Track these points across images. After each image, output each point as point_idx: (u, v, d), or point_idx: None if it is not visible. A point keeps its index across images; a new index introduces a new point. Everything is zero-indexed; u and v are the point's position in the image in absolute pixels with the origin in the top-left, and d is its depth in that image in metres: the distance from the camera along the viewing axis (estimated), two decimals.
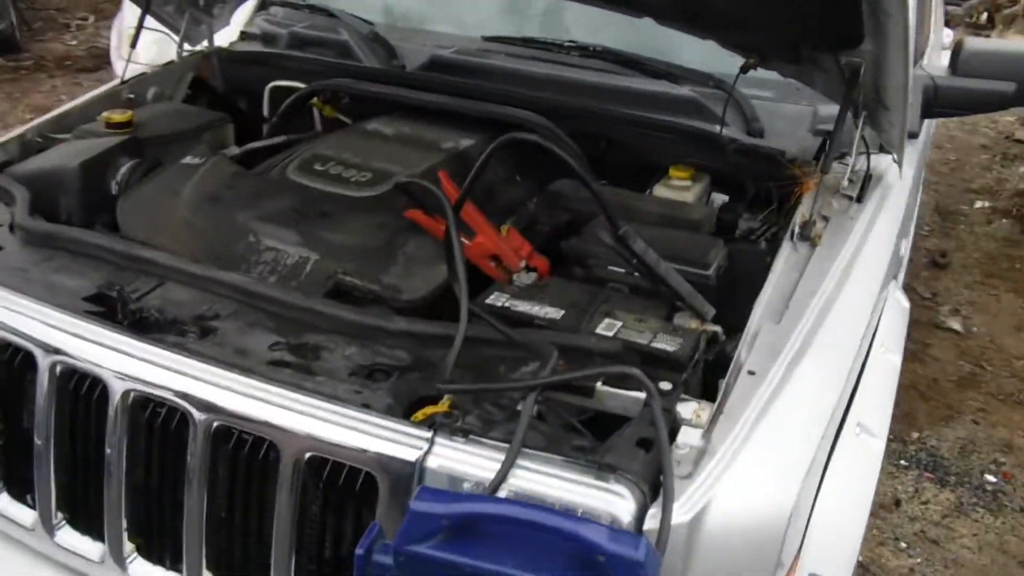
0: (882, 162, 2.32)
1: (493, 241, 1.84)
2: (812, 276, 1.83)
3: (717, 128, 2.34)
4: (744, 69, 2.11)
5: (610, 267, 1.85)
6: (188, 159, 2.19)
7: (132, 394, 1.51)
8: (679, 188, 2.24)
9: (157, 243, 1.94)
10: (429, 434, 1.37)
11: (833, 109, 2.42)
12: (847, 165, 2.32)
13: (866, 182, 2.19)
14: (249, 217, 1.95)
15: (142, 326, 1.61)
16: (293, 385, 1.45)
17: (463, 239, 1.87)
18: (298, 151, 2.34)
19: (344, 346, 1.59)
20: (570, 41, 2.62)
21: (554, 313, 1.70)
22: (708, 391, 1.63)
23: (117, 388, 1.51)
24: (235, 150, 2.48)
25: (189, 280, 1.75)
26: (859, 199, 2.16)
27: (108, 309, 1.66)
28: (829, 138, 2.03)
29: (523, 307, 1.71)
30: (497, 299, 1.74)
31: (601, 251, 1.87)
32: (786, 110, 2.46)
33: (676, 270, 1.76)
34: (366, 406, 1.42)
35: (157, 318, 1.63)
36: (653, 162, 2.41)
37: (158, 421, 1.51)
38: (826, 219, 2.05)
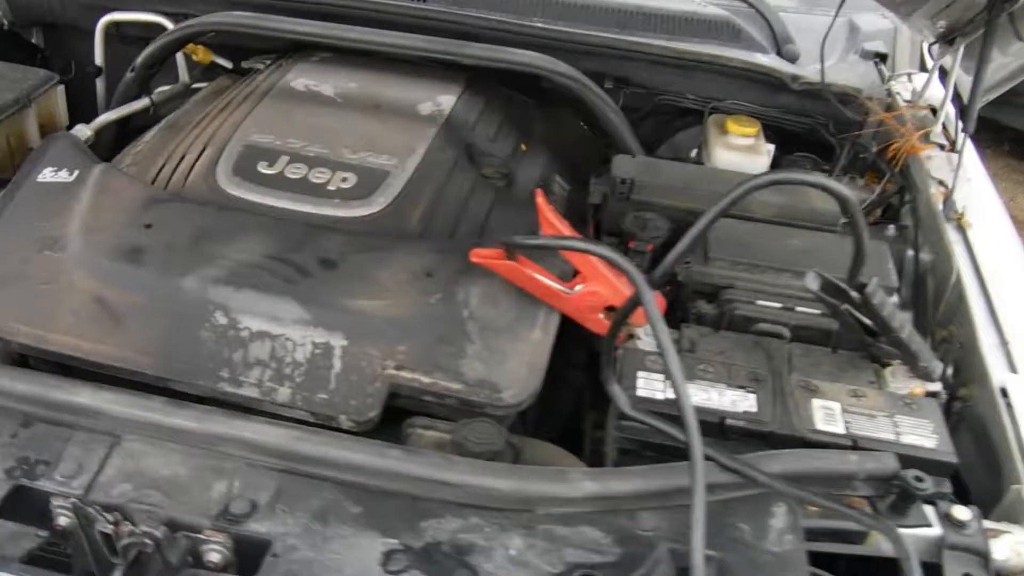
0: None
1: (612, 287, 1.25)
2: (995, 280, 1.41)
3: (762, 57, 1.83)
4: None
5: (759, 302, 1.33)
6: (48, 174, 1.36)
7: None
8: (744, 148, 1.71)
9: (56, 345, 1.17)
10: None
11: (874, 21, 1.99)
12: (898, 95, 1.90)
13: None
14: (205, 282, 1.22)
15: (139, 570, 0.90)
16: None
17: (556, 284, 1.27)
18: (192, 130, 1.56)
19: (498, 535, 0.97)
20: None
21: (743, 400, 1.17)
22: None
23: None
24: (86, 131, 1.63)
25: (163, 434, 1.03)
26: (953, 147, 1.75)
27: (56, 536, 0.93)
28: (972, 94, 1.56)
29: (698, 396, 1.16)
30: (650, 388, 1.17)
31: (743, 278, 1.34)
32: (816, 24, 1.96)
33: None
34: None
35: (154, 539, 0.92)
36: (680, 108, 1.86)
37: None
38: (943, 184, 1.63)
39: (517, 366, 1.20)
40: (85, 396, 1.03)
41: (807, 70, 1.85)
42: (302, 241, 1.28)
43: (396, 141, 1.52)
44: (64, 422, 1.03)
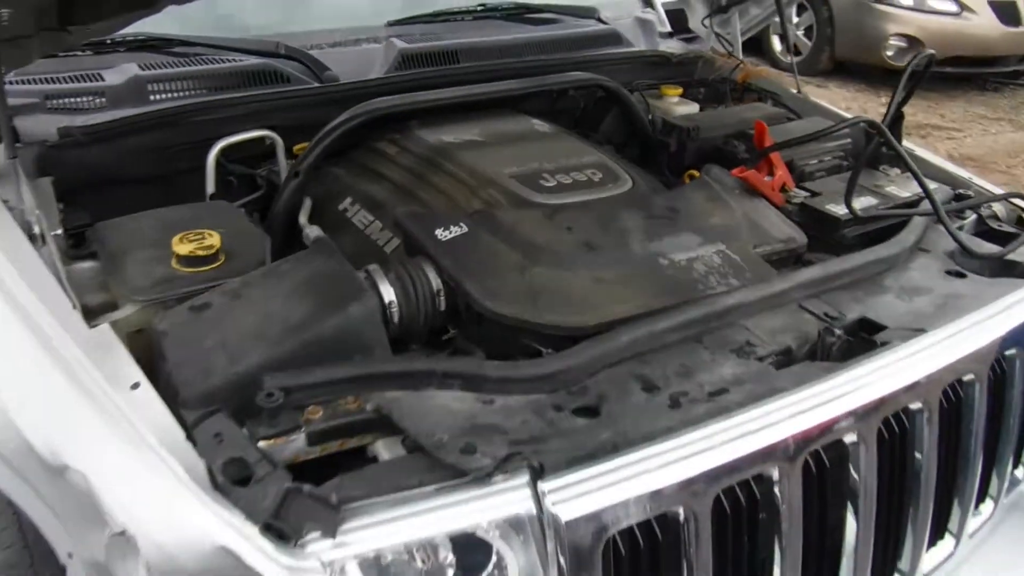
0: None
1: (783, 168, 2.06)
2: None
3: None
4: None
5: None
6: (444, 234, 1.68)
7: None
8: (680, 104, 2.58)
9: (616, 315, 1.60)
10: None
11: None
12: None
13: None
14: (643, 245, 1.75)
15: None
16: None
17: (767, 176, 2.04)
18: (416, 191, 1.95)
19: None
20: (480, 6, 2.57)
21: None
22: None
23: None
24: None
25: None
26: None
27: None
28: None
29: None
30: None
31: None
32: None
33: None
34: None
35: None
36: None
37: None
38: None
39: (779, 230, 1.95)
40: None
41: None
42: (648, 205, 1.86)
43: (562, 147, 2.10)
44: None
